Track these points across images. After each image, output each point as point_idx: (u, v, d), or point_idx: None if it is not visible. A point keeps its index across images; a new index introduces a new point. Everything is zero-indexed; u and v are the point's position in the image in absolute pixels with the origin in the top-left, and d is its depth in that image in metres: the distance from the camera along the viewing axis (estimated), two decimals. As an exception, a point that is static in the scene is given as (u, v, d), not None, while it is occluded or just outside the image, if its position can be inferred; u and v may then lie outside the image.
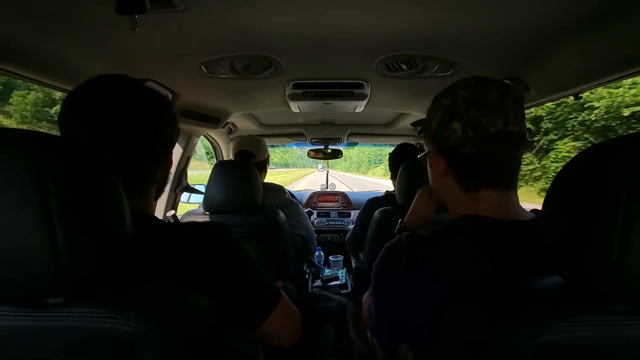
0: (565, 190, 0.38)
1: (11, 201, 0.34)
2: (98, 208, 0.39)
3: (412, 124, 1.71)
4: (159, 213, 1.61)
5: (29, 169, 0.34)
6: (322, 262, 2.40)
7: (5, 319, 0.38)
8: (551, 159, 10.22)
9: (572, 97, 0.96)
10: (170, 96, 1.20)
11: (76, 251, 0.36)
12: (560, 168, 0.40)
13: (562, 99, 1.06)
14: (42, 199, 0.34)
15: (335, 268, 2.30)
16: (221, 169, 1.29)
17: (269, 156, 1.75)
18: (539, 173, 10.76)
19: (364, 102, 1.39)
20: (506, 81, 1.01)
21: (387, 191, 2.23)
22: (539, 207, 0.44)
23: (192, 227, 0.58)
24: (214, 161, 2.30)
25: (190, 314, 0.44)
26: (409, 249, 0.57)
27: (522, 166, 0.60)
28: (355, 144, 2.87)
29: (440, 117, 0.57)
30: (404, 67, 1.00)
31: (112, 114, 0.52)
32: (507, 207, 0.56)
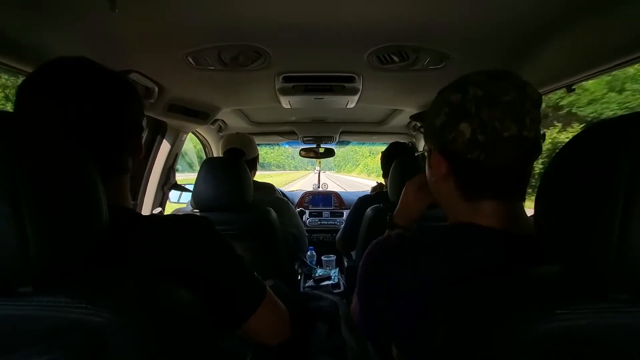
0: (563, 175, 0.37)
1: None
2: (70, 195, 0.37)
3: (411, 117, 1.69)
4: (146, 211, 1.57)
5: None
6: (314, 262, 2.38)
7: None
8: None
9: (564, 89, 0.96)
10: (156, 89, 1.17)
11: (45, 239, 0.34)
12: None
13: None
14: (9, 185, 0.32)
15: (327, 268, 2.29)
16: (210, 165, 1.26)
17: (258, 154, 1.73)
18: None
19: (356, 97, 1.37)
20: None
21: (373, 188, 2.22)
22: None
23: (171, 220, 0.55)
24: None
25: (170, 306, 0.42)
26: (398, 251, 0.54)
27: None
28: (348, 142, 2.86)
29: (446, 116, 0.51)
30: (396, 58, 0.99)
31: (69, 97, 0.49)
32: (508, 219, 0.51)
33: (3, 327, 0.37)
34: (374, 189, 2.22)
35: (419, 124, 2.11)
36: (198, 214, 1.27)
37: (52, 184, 0.35)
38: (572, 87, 0.94)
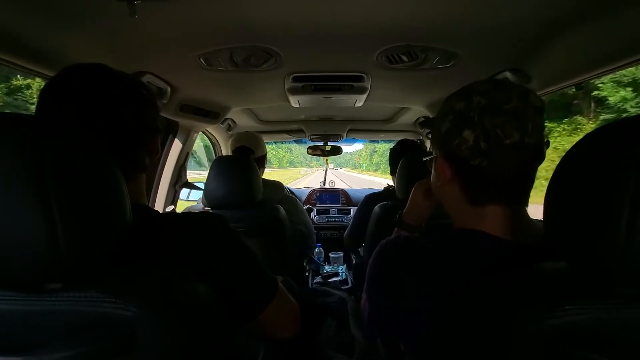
0: (572, 173, 0.38)
1: (8, 186, 0.33)
2: (97, 194, 0.39)
3: (419, 124, 1.69)
4: (158, 208, 1.61)
5: (26, 154, 0.34)
6: (322, 259, 2.40)
7: (4, 303, 0.38)
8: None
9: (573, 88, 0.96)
10: (168, 90, 1.20)
11: (75, 237, 0.36)
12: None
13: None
14: (40, 184, 0.34)
15: (335, 264, 2.30)
16: (221, 164, 1.29)
17: (266, 152, 1.75)
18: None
19: (364, 96, 1.38)
20: (507, 72, 1.03)
21: (385, 187, 2.23)
22: None
23: (188, 217, 0.57)
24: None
25: (192, 300, 0.44)
26: (404, 254, 0.55)
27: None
28: (355, 140, 2.86)
29: (450, 123, 0.52)
30: (405, 58, 0.99)
31: (95, 101, 0.51)
32: (513, 224, 0.52)
33: (34, 322, 0.38)
34: (386, 189, 2.22)
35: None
36: (210, 211, 1.29)
37: (80, 183, 0.37)
38: (581, 85, 0.94)
